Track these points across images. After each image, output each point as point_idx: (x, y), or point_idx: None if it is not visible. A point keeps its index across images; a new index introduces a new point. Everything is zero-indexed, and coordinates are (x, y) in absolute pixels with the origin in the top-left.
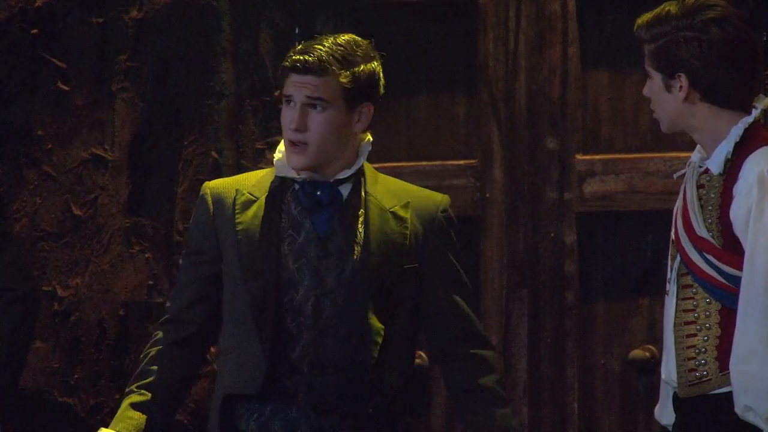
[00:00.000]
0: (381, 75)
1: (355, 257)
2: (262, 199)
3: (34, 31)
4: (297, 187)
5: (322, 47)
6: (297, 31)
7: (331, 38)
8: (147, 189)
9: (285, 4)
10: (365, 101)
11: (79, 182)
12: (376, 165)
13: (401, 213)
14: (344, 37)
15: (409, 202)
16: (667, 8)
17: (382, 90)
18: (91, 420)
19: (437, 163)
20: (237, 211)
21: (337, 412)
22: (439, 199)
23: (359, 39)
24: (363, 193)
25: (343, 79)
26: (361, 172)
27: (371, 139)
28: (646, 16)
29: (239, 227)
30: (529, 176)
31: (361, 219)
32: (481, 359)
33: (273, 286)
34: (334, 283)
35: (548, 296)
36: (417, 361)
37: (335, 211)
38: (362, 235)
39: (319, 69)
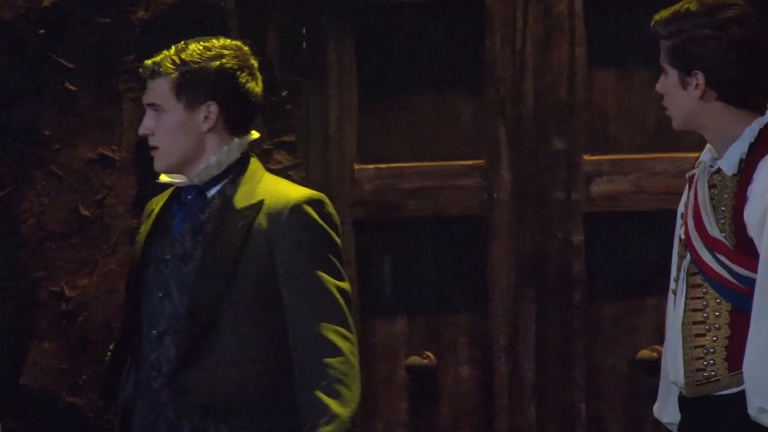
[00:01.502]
0: (238, 75)
1: (193, 258)
2: (158, 207)
3: (41, 30)
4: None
5: (165, 52)
6: (304, 31)
7: (183, 42)
8: (154, 189)
9: (291, 4)
10: (208, 100)
11: (86, 182)
12: (382, 165)
13: (246, 212)
14: (197, 40)
15: (263, 200)
16: (686, 5)
17: (241, 90)
18: (98, 420)
19: (443, 163)
20: (142, 224)
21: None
22: (296, 196)
23: (221, 41)
24: (217, 193)
25: (172, 79)
26: (236, 172)
27: (251, 137)
28: (665, 13)
29: (137, 238)
30: (536, 176)
31: (202, 219)
32: (314, 364)
33: (133, 289)
34: (176, 284)
35: (555, 296)
36: (424, 360)
37: (188, 214)
38: (204, 236)
39: (152, 72)
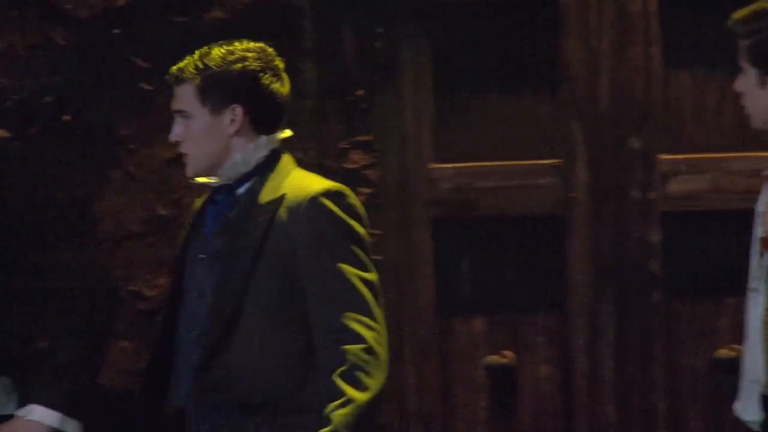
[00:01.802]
0: (262, 77)
1: (223, 255)
2: (198, 205)
3: (117, 30)
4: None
5: (189, 57)
6: (379, 31)
7: (207, 47)
8: None
9: (367, 4)
10: (232, 103)
11: (163, 182)
12: (459, 164)
13: (268, 206)
14: (220, 44)
15: (284, 194)
16: (765, 5)
17: (265, 91)
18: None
19: (521, 162)
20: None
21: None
22: (315, 188)
23: (244, 44)
24: (245, 191)
25: (196, 84)
26: (265, 169)
27: (281, 135)
28: (743, 12)
29: (178, 239)
30: (612, 176)
31: (230, 217)
32: (333, 352)
33: (172, 292)
34: (208, 283)
35: (634, 295)
36: (503, 360)
37: (218, 213)
38: (230, 234)
39: (176, 79)
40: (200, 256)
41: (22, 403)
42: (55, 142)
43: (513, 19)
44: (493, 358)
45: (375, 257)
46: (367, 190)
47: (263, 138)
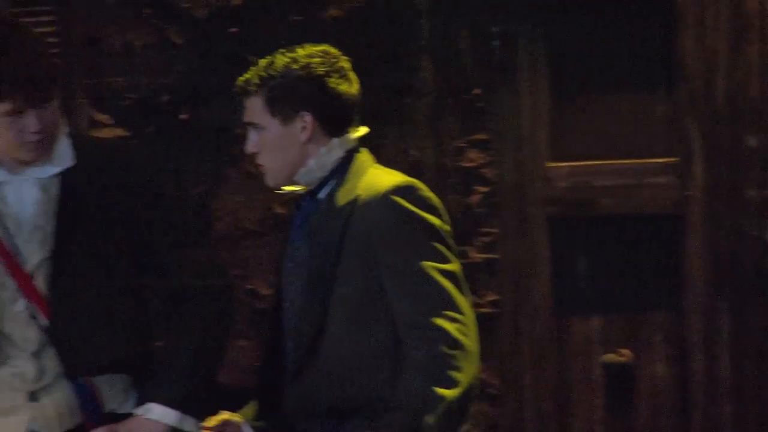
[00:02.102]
0: (328, 81)
1: (307, 262)
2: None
3: (233, 29)
4: None
5: (253, 68)
6: (495, 30)
7: (273, 55)
8: None
9: (484, 3)
10: (301, 110)
11: None
12: (576, 163)
13: (344, 209)
14: (282, 52)
15: (358, 195)
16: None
17: (333, 94)
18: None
19: (638, 161)
20: None
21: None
22: (385, 187)
23: (306, 49)
24: (325, 195)
25: (263, 96)
26: (342, 171)
27: (355, 134)
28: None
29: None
30: (729, 174)
31: (313, 223)
32: (419, 350)
33: (274, 298)
34: (296, 290)
35: (750, 294)
36: (620, 358)
37: (304, 220)
38: (312, 240)
39: (243, 92)
40: (289, 264)
41: (140, 402)
42: (172, 141)
43: (629, 18)
44: (610, 357)
45: (492, 256)
46: (484, 189)
47: (335, 140)
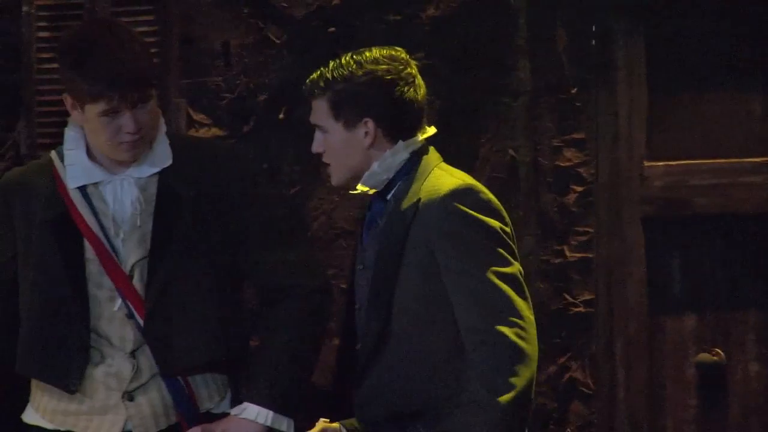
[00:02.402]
0: (393, 88)
1: (374, 265)
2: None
3: (331, 29)
4: None
5: (322, 69)
6: (593, 29)
7: (342, 57)
8: None
9: (581, 2)
10: (364, 117)
11: None
12: (672, 162)
13: (407, 212)
14: (350, 55)
15: (419, 198)
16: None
17: (397, 101)
18: None
19: (733, 160)
20: None
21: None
22: (444, 190)
23: (374, 52)
24: (392, 197)
25: (328, 100)
26: (408, 173)
27: (422, 136)
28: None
29: None
30: None
31: (380, 225)
32: (478, 355)
33: (347, 304)
34: (364, 293)
35: None
36: (713, 357)
37: (372, 222)
38: (379, 243)
39: (310, 94)
40: (359, 266)
41: (236, 401)
42: (269, 141)
43: (727, 16)
44: (703, 356)
45: (587, 255)
46: (580, 188)
47: (401, 144)
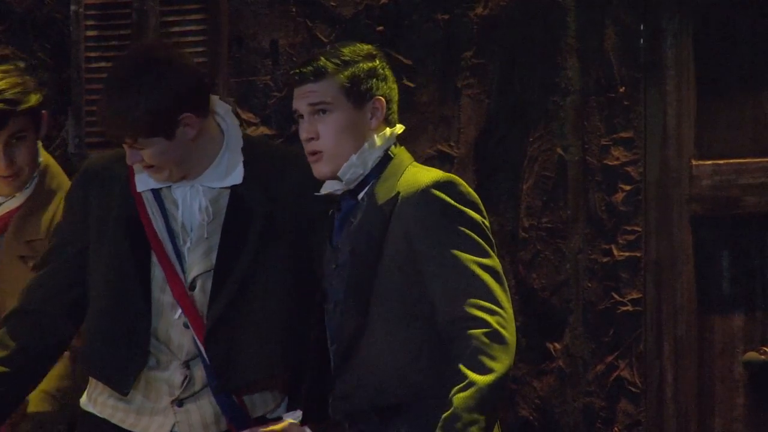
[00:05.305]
0: (389, 73)
1: (350, 263)
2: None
3: (380, 28)
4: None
5: (317, 56)
6: (642, 28)
7: (329, 47)
8: (492, 185)
9: (631, 0)
10: (375, 96)
11: None
12: (721, 161)
13: (384, 208)
14: (343, 43)
15: (398, 192)
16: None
17: (392, 86)
18: None
19: None
20: None
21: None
22: (425, 181)
23: (360, 44)
24: (366, 195)
25: (341, 79)
26: (381, 168)
27: (397, 130)
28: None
29: None
30: None
31: (354, 224)
32: (459, 341)
33: (318, 305)
34: (337, 292)
35: None
36: (761, 356)
37: (344, 221)
38: (353, 241)
39: (315, 74)
40: (330, 266)
41: (291, 407)
42: None
43: None
44: (752, 355)
45: (635, 254)
46: (628, 187)
47: (374, 137)
